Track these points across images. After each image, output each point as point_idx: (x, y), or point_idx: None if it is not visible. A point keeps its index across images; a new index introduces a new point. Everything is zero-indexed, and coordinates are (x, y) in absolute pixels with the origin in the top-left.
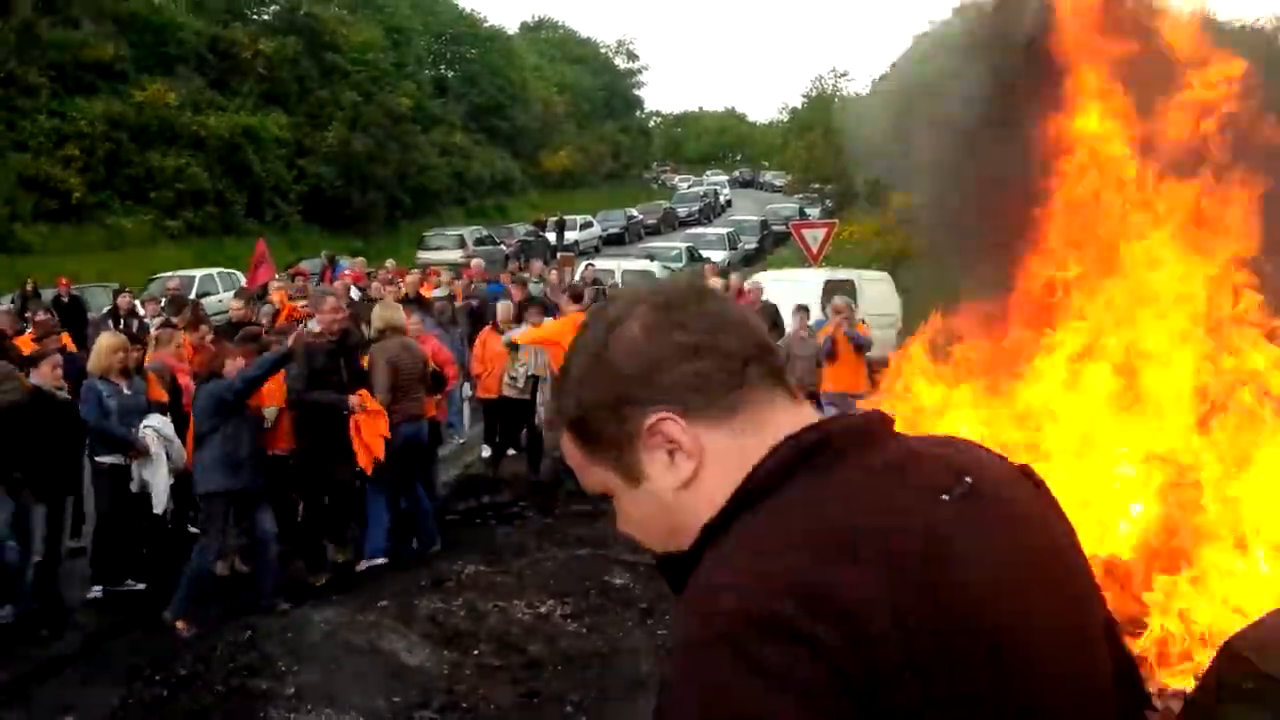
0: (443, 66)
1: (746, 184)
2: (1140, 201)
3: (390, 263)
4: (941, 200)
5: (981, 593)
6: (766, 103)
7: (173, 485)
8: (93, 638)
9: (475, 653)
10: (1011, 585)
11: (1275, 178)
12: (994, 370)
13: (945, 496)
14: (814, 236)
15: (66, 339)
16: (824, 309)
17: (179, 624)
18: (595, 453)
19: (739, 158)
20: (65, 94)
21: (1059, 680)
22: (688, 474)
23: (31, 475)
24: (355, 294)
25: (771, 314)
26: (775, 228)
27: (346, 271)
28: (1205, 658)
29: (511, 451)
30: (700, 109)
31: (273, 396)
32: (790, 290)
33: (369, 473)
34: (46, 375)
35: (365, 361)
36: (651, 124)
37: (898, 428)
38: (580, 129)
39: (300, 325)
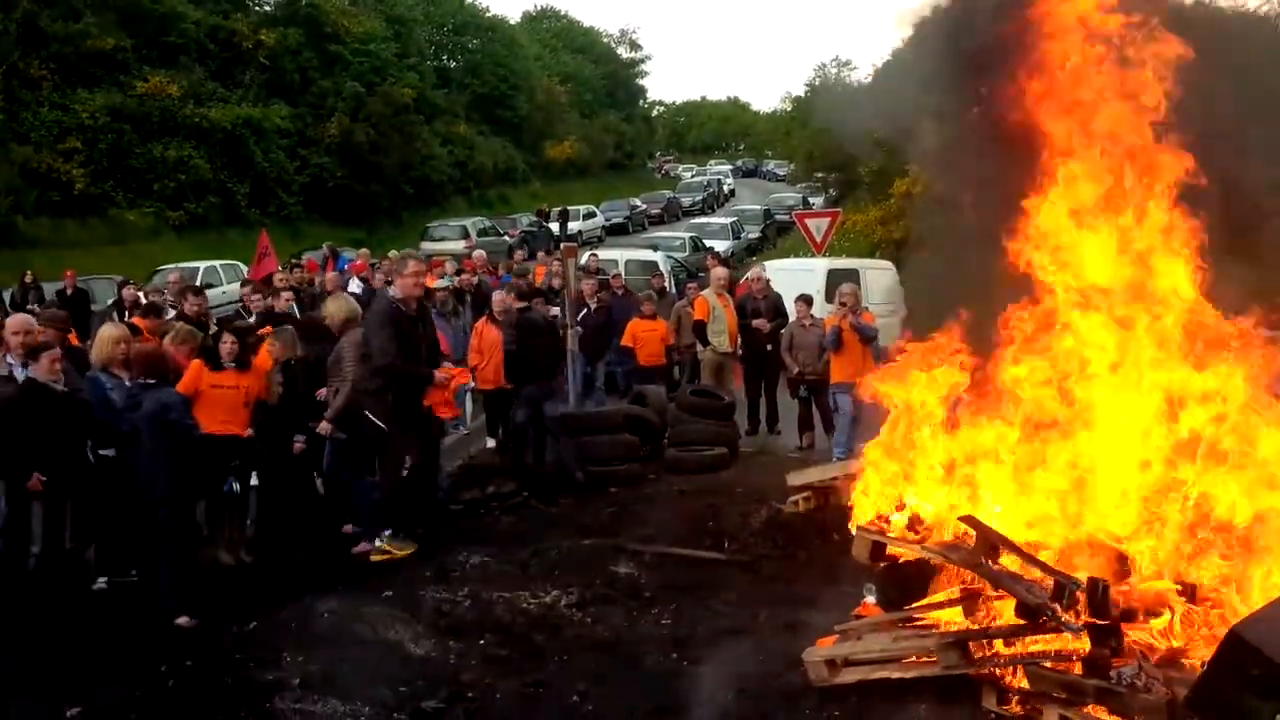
0: (445, 56)
1: (750, 173)
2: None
3: (393, 253)
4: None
5: None
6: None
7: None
8: (99, 629)
9: (481, 642)
10: None
11: None
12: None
13: None
14: (818, 226)
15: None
16: (828, 298)
17: (181, 620)
18: None
19: (742, 147)
20: (67, 86)
21: None
22: None
23: (30, 469)
24: (358, 285)
25: (776, 303)
26: (779, 217)
27: (351, 263)
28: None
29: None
30: (703, 98)
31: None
32: (794, 279)
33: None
34: (44, 369)
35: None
36: (654, 113)
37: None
38: (583, 119)
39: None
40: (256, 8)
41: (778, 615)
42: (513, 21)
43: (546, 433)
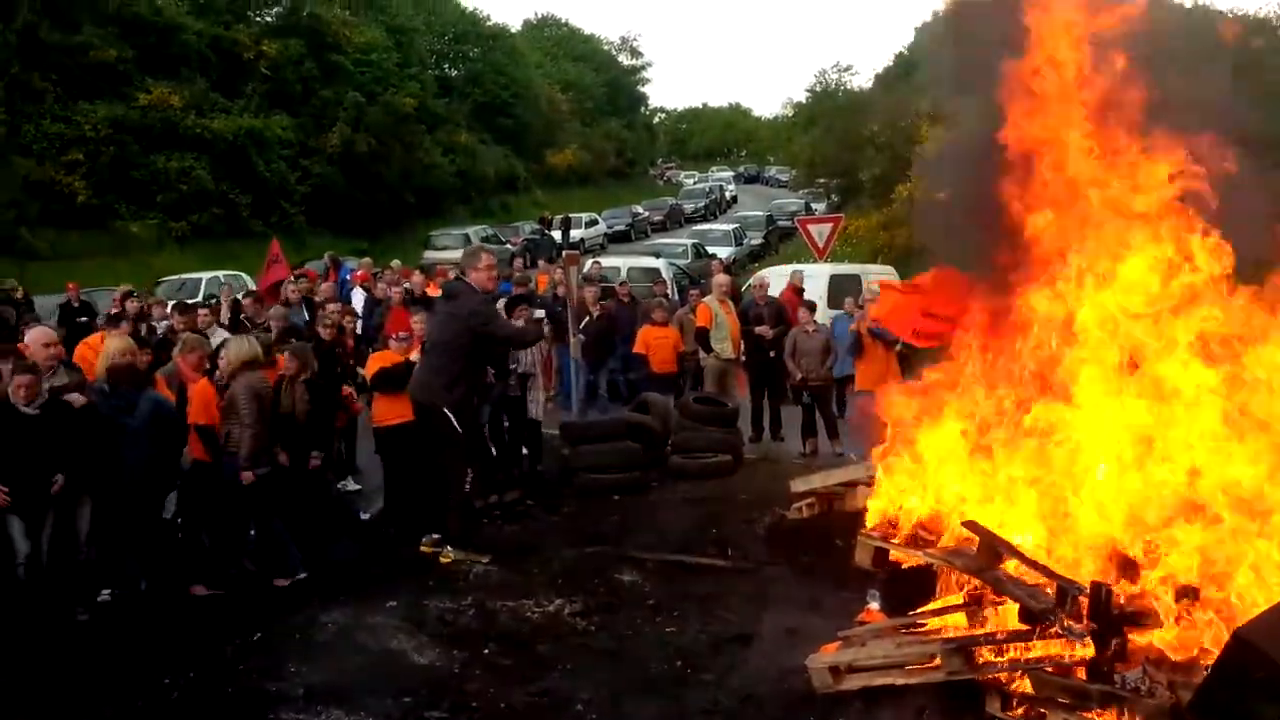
0: (446, 66)
1: (752, 179)
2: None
3: (396, 263)
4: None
5: None
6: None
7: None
8: (101, 641)
9: (485, 652)
10: None
11: None
12: None
13: None
14: (820, 231)
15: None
16: (829, 303)
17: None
18: None
19: (744, 153)
20: (69, 98)
21: None
22: None
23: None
24: (361, 295)
25: (778, 309)
26: (781, 223)
27: (353, 272)
28: None
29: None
30: (704, 105)
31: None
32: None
33: None
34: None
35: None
36: (656, 120)
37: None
38: (585, 126)
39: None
40: (258, 19)
41: (781, 622)
42: (514, 30)
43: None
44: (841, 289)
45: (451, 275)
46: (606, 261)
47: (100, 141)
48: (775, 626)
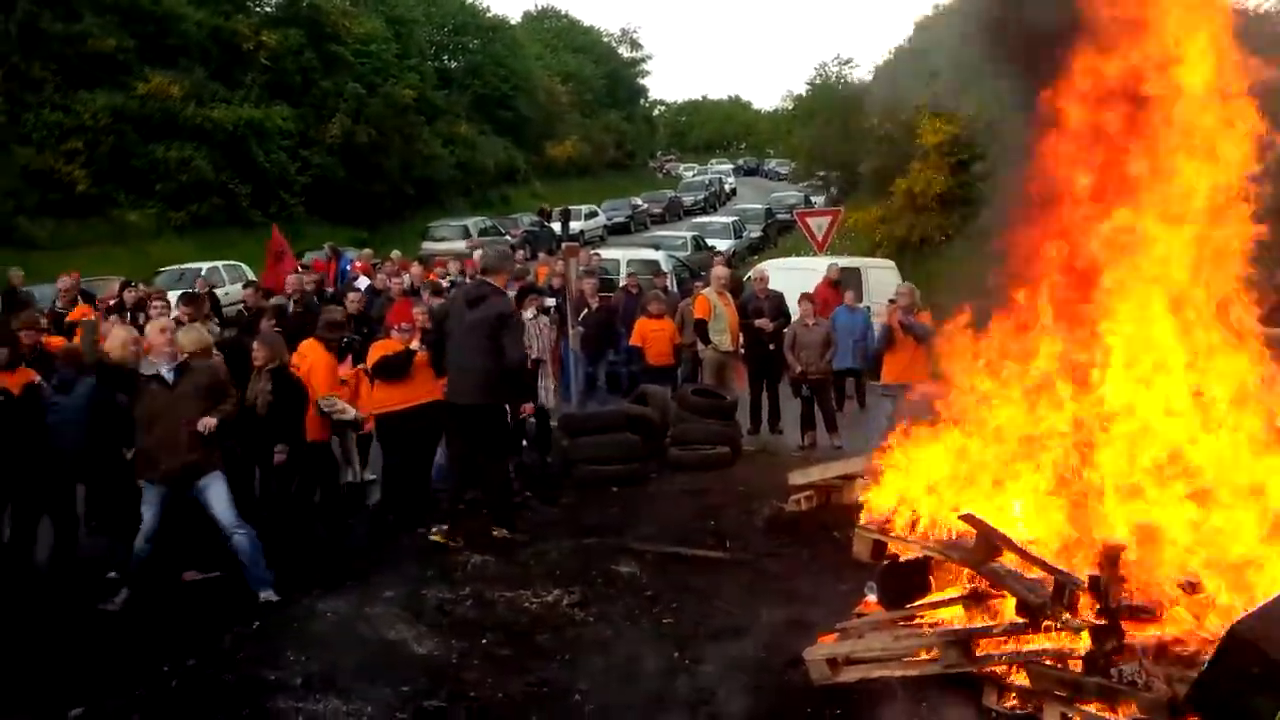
0: (446, 57)
1: (751, 172)
2: None
3: (396, 254)
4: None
5: None
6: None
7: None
8: (100, 629)
9: (483, 642)
10: None
11: None
12: None
13: None
14: (819, 224)
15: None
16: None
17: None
18: None
19: (743, 146)
20: (68, 87)
21: None
22: None
23: None
24: (363, 284)
25: (778, 302)
26: (780, 216)
27: (356, 264)
28: None
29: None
30: (704, 97)
31: None
32: (796, 278)
33: None
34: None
35: None
36: (656, 113)
37: None
38: (584, 118)
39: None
40: (258, 9)
41: (779, 614)
42: (513, 22)
43: None
44: (841, 282)
45: (452, 268)
46: (606, 254)
47: (99, 131)
48: (773, 618)
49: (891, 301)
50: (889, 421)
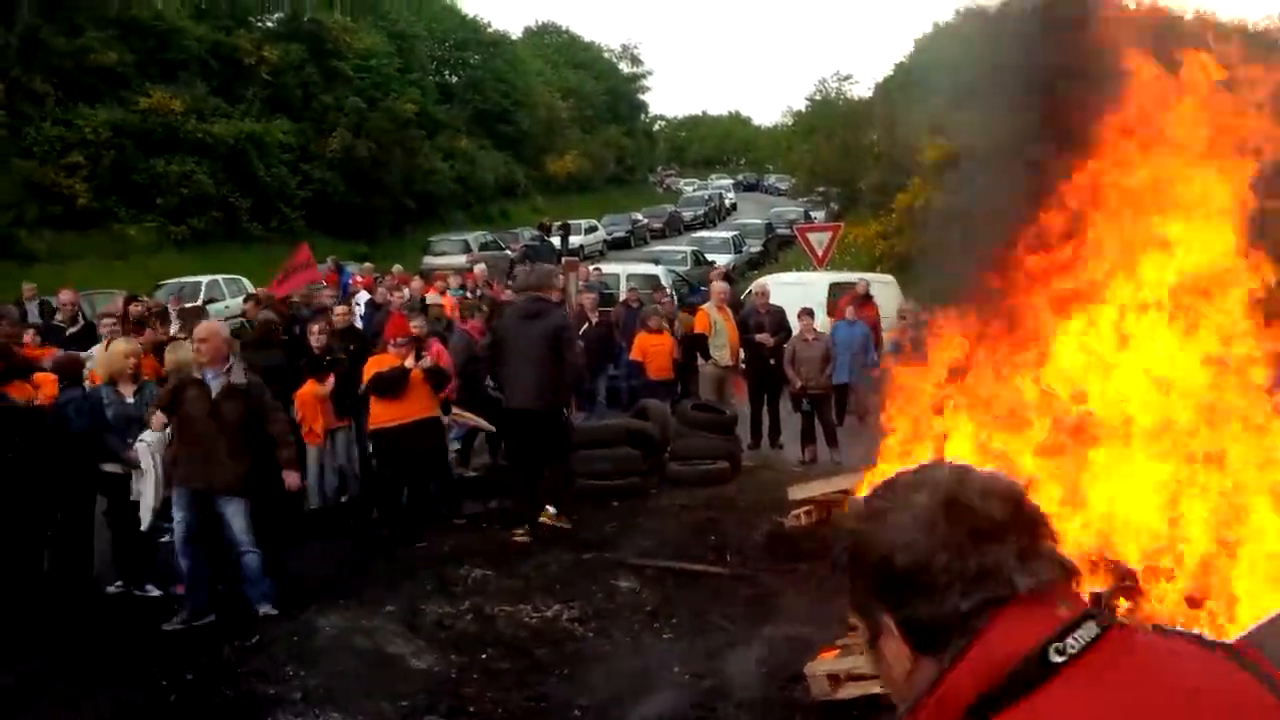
0: (447, 72)
1: (751, 187)
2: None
3: (397, 268)
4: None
5: None
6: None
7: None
8: (99, 641)
9: (482, 656)
10: None
11: None
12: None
13: None
14: (819, 240)
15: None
16: (829, 311)
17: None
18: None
19: (743, 161)
20: (70, 101)
21: None
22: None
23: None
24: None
25: (778, 317)
26: (780, 231)
27: (357, 278)
28: None
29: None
30: (704, 113)
31: None
32: (796, 293)
33: None
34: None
35: None
36: (656, 128)
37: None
38: (585, 133)
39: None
40: (259, 24)
41: (779, 629)
42: (514, 37)
43: None
44: (840, 298)
45: (453, 281)
46: (606, 268)
47: (100, 145)
48: (773, 634)
49: (902, 318)
50: None
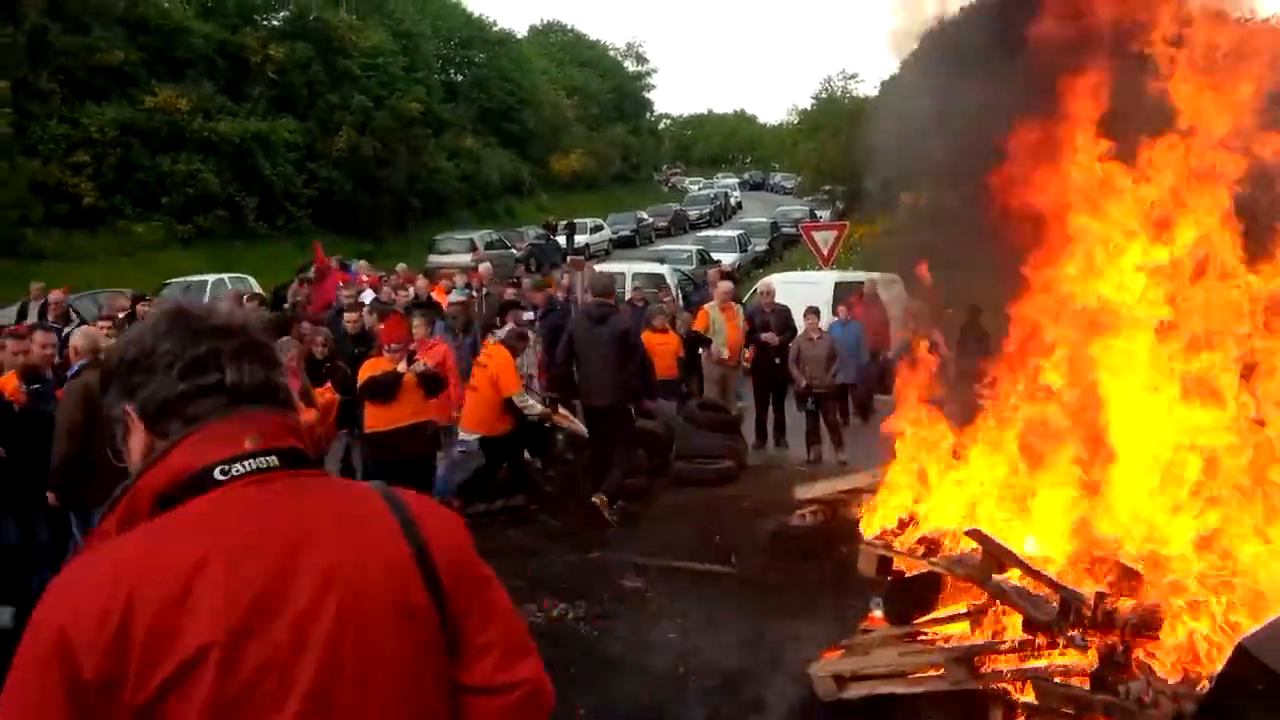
0: (452, 70)
1: (757, 186)
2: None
3: (401, 266)
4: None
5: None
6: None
7: None
8: None
9: None
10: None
11: None
12: None
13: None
14: (824, 238)
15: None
16: (834, 310)
17: None
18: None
19: (749, 160)
20: (76, 100)
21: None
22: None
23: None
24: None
25: (784, 316)
26: (786, 230)
27: (363, 277)
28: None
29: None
30: (710, 111)
31: None
32: (802, 292)
33: None
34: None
35: None
36: (661, 126)
37: None
38: (590, 132)
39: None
40: (265, 22)
41: (784, 629)
42: (520, 35)
43: None
44: (846, 296)
45: (458, 281)
46: (612, 267)
47: (107, 143)
48: (778, 633)
49: (910, 317)
50: None
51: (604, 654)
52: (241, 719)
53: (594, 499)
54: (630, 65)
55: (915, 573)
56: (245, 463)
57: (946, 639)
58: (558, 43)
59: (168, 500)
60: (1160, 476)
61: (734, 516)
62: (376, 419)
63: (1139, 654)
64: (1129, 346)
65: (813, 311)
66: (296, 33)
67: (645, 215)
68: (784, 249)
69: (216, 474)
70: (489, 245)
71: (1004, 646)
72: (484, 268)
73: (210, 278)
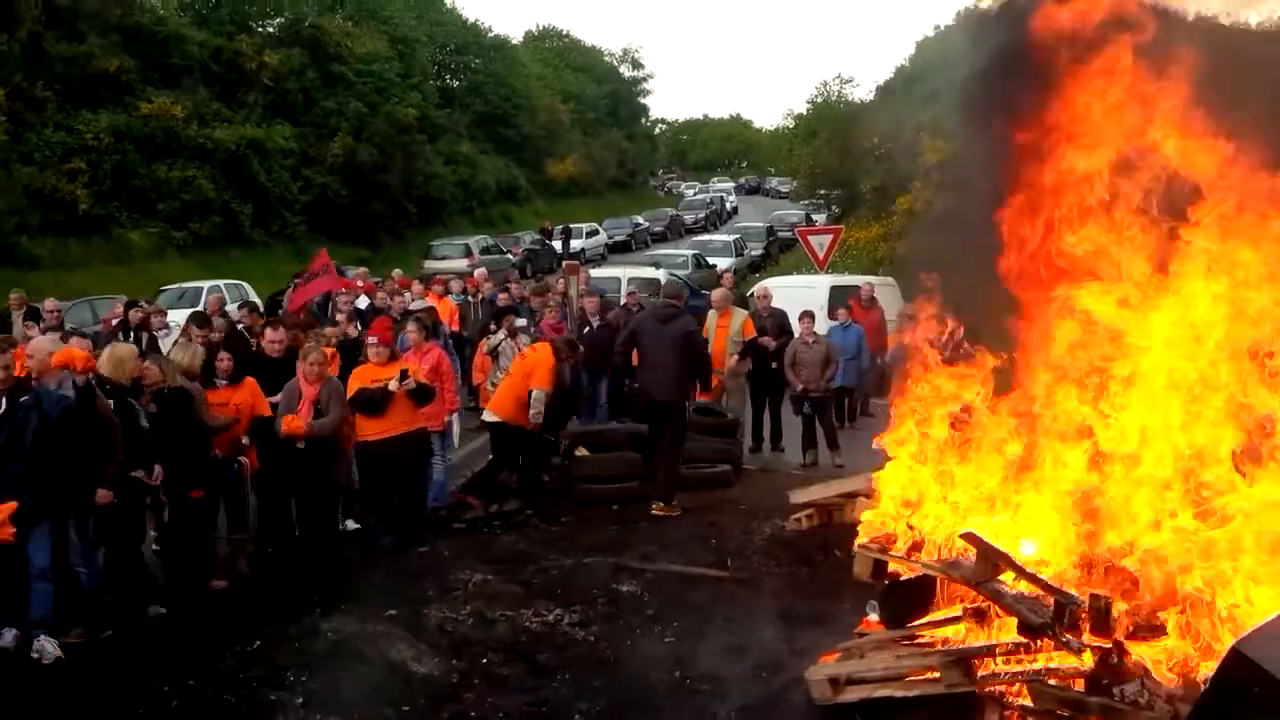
0: (448, 76)
1: (752, 190)
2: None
3: (397, 272)
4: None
5: None
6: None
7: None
8: (101, 647)
9: (484, 661)
10: None
11: None
12: None
13: None
14: (820, 242)
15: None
16: (830, 315)
17: None
18: None
19: (745, 164)
20: (71, 107)
21: None
22: None
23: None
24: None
25: (780, 319)
26: (781, 234)
27: (358, 283)
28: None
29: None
30: (705, 116)
31: None
32: (798, 296)
33: None
34: None
35: None
36: (657, 131)
37: None
38: (586, 137)
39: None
40: (260, 29)
41: (780, 633)
42: (515, 41)
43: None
44: (841, 300)
45: (454, 286)
46: (607, 272)
47: (102, 150)
48: (774, 637)
49: (905, 320)
50: None
51: (600, 658)
52: None
53: (654, 511)
54: (626, 70)
55: (911, 576)
56: None
57: (942, 642)
58: (553, 48)
59: None
60: (1158, 479)
61: (730, 520)
62: (366, 429)
63: (1134, 656)
64: (1128, 346)
65: (808, 315)
66: (291, 39)
67: (641, 220)
68: (780, 253)
69: None
70: (484, 251)
71: (1000, 650)
72: (479, 272)
73: (206, 284)
